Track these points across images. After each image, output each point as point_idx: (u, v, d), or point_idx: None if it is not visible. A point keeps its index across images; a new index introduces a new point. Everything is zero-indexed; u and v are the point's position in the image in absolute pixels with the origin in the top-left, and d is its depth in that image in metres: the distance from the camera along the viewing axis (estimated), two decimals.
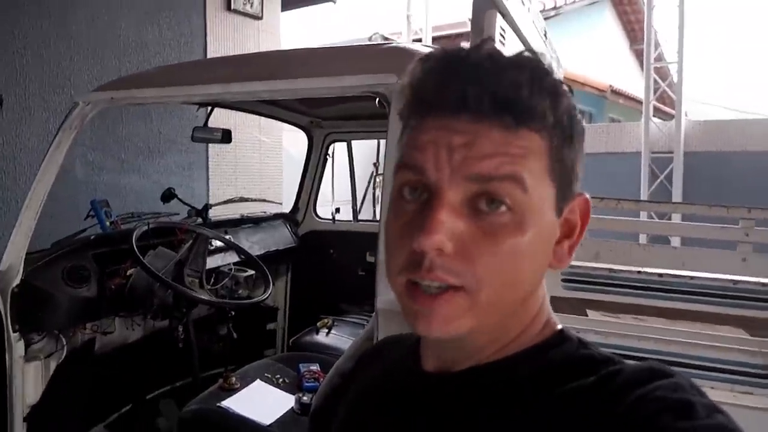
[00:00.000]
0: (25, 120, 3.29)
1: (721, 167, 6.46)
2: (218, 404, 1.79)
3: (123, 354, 2.10)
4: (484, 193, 0.46)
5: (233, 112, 2.85)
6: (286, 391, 1.93)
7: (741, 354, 1.22)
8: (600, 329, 1.30)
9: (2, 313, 1.61)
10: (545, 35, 1.81)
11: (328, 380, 1.37)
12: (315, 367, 2.04)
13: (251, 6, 4.63)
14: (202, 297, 2.01)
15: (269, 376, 2.01)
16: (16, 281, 1.64)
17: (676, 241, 4.71)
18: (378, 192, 4.74)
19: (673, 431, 0.39)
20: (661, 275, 1.42)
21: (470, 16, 1.16)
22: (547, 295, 0.55)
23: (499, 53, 0.48)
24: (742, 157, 6.40)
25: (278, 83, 1.50)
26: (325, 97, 2.06)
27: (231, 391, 1.88)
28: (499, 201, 0.46)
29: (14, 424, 1.65)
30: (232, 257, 2.40)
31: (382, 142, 2.09)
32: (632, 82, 9.96)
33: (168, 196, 2.51)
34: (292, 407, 1.83)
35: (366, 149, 4.72)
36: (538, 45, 1.62)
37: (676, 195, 6.61)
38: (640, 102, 7.59)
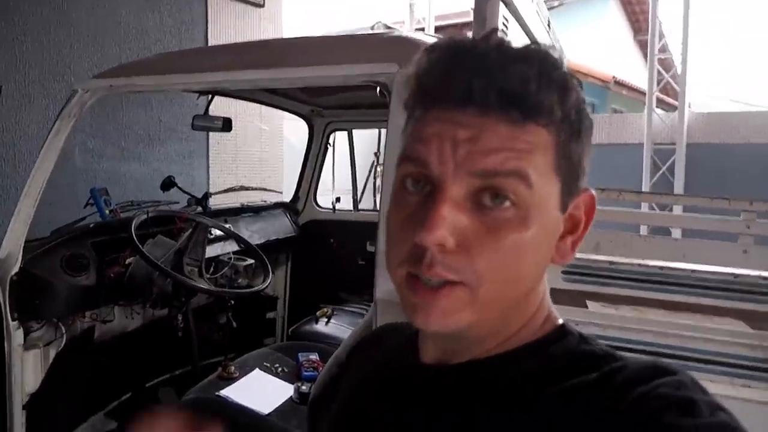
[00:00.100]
0: (24, 107, 3.28)
1: (724, 159, 6.45)
2: (217, 393, 1.80)
3: (122, 342, 2.10)
4: (488, 188, 0.45)
5: (234, 100, 2.84)
6: (285, 381, 1.94)
7: (741, 347, 1.22)
8: (600, 321, 1.29)
9: (1, 301, 1.61)
10: (549, 25, 1.79)
11: (326, 369, 1.37)
12: (314, 357, 2.04)
13: None
14: (201, 286, 2.01)
15: (268, 365, 2.02)
16: (15, 269, 1.64)
17: (677, 233, 4.71)
18: (379, 182, 4.73)
19: (676, 429, 0.38)
20: (661, 268, 1.42)
21: (473, 5, 1.15)
22: (548, 289, 0.54)
23: (507, 45, 0.47)
24: (744, 149, 6.38)
25: (279, 72, 1.49)
26: (326, 86, 2.05)
27: (230, 380, 1.88)
28: (503, 196, 0.45)
29: (13, 412, 1.65)
30: (231, 246, 2.40)
31: (383, 131, 2.08)
32: (636, 73, 9.92)
33: (168, 184, 2.51)
34: (291, 396, 1.84)
35: (367, 139, 4.71)
36: (541, 35, 1.60)
37: (678, 187, 6.61)
38: (643, 93, 7.57)
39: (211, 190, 2.94)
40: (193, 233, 2.08)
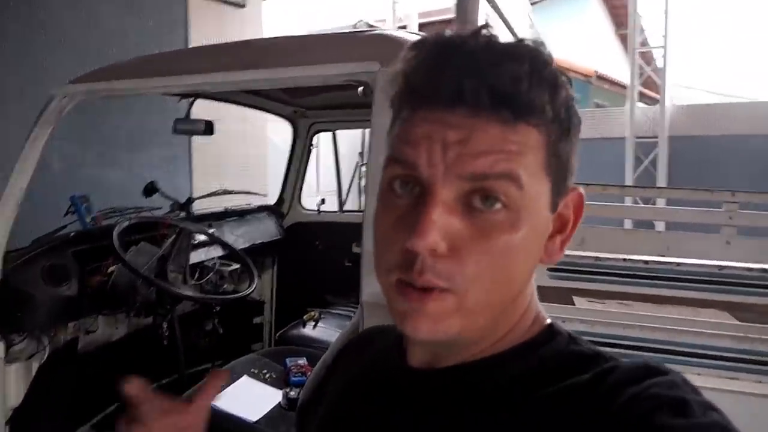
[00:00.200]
0: (1, 112, 3.22)
1: (705, 151, 6.52)
2: None
3: (107, 353, 2.06)
4: (478, 190, 0.44)
5: (216, 102, 2.81)
6: (273, 387, 1.92)
7: (727, 339, 1.22)
8: (587, 318, 1.29)
9: None
10: (530, 20, 1.79)
11: (314, 374, 1.36)
12: (302, 361, 2.02)
13: None
14: (186, 293, 1.98)
15: (256, 371, 2.00)
16: None
17: (660, 226, 4.75)
18: (363, 182, 4.72)
19: (669, 429, 0.38)
20: (647, 262, 1.42)
21: (455, 1, 1.14)
22: (535, 290, 0.54)
23: (496, 41, 0.46)
24: (725, 141, 6.46)
25: (260, 72, 1.47)
26: (307, 86, 2.03)
27: None
28: (494, 198, 0.44)
29: None
30: (216, 251, 2.37)
31: (367, 131, 2.07)
32: (617, 67, 10.00)
33: (150, 189, 2.47)
34: (280, 402, 1.82)
35: (351, 139, 4.69)
36: (522, 30, 1.60)
37: (661, 179, 6.68)
38: (625, 87, 7.63)
39: (195, 195, 2.90)
40: (176, 239, 2.06)
